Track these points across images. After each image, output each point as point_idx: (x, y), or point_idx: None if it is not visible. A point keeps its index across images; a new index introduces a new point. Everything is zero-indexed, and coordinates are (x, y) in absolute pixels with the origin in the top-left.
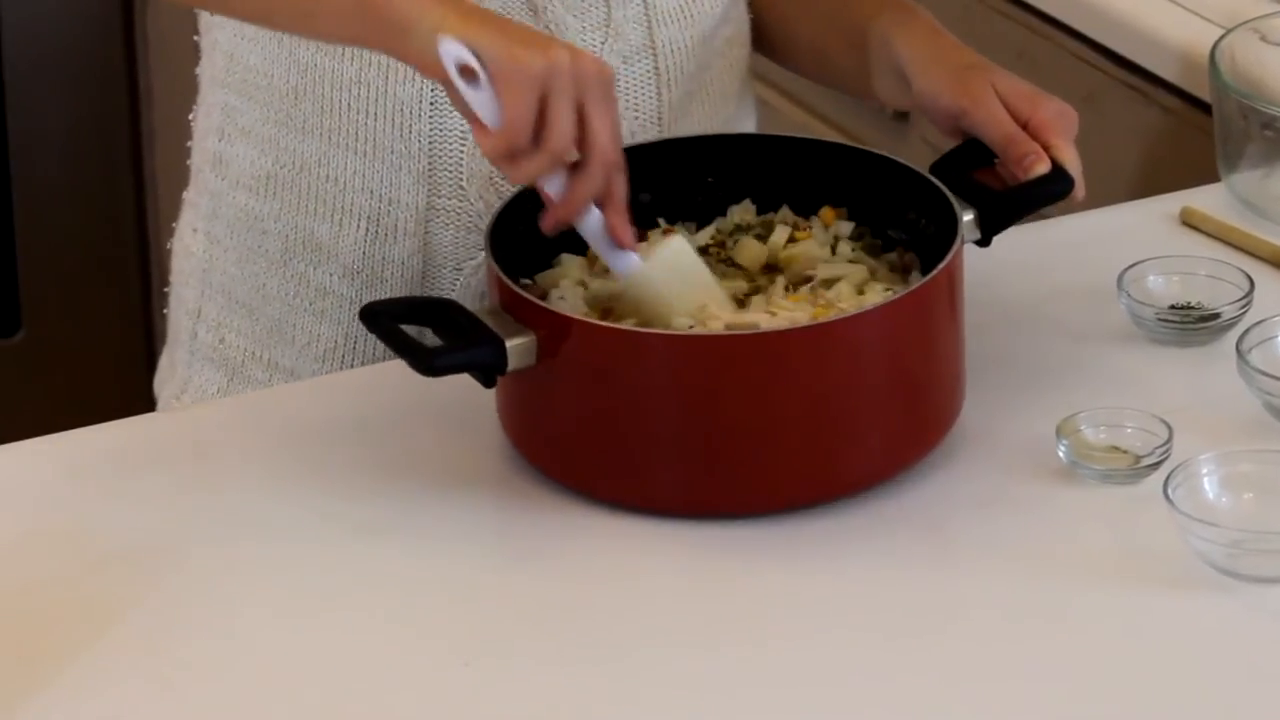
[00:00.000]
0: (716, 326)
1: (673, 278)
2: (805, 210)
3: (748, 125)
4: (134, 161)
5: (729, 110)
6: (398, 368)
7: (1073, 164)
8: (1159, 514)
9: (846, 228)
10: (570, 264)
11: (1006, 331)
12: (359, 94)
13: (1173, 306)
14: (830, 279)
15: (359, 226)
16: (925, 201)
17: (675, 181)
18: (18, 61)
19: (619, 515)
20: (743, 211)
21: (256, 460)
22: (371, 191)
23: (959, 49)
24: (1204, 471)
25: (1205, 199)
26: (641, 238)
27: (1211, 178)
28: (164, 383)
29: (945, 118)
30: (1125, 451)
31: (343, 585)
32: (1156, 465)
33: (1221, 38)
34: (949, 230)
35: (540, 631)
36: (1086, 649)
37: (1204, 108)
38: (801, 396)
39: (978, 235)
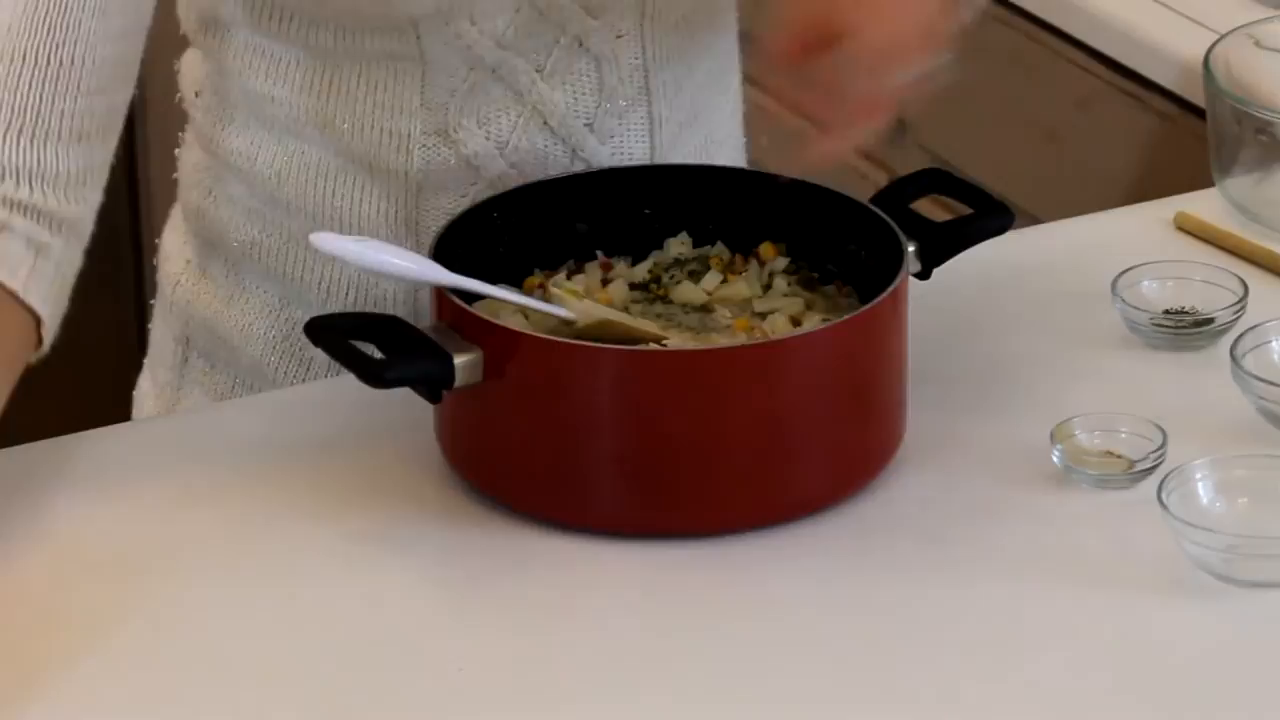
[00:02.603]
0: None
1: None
2: (742, 243)
3: (733, 133)
4: (128, 172)
5: (711, 124)
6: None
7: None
8: (1153, 519)
9: (782, 263)
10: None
11: (1000, 336)
12: (345, 181)
13: (1167, 311)
14: (765, 311)
15: (349, 295)
16: (866, 233)
17: (612, 212)
18: None
19: (564, 536)
20: (678, 245)
21: (239, 471)
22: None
23: None
24: (1198, 476)
25: (1199, 204)
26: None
27: (1205, 183)
28: (144, 396)
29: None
30: (1120, 456)
31: (334, 594)
32: (1151, 470)
33: (1216, 43)
34: (889, 260)
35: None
36: (1081, 655)
37: (1198, 113)
38: (751, 414)
39: (918, 267)
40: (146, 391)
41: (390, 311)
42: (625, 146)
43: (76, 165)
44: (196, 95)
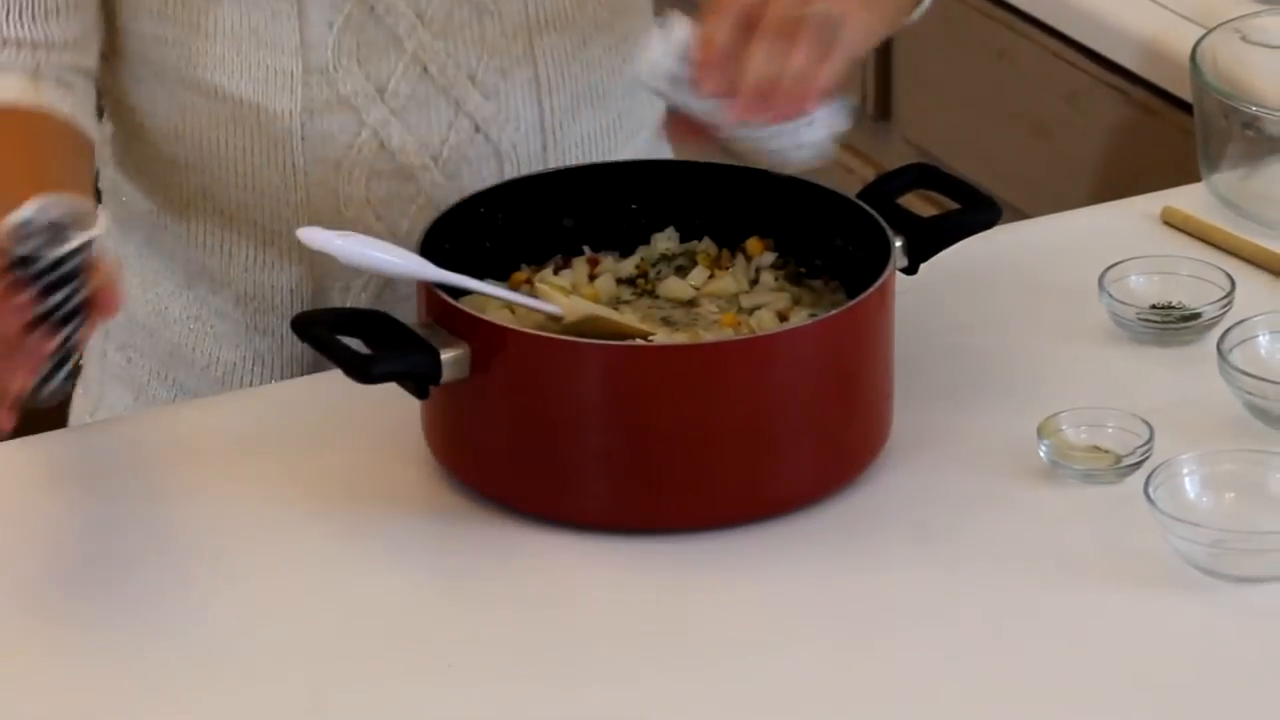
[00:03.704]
0: None
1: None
2: (729, 238)
3: (648, 119)
4: None
5: (621, 108)
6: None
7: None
8: (1140, 514)
9: (769, 258)
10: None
11: (988, 331)
12: (234, 131)
13: (1154, 306)
14: (752, 307)
15: (247, 255)
16: (853, 228)
17: (598, 208)
18: None
19: (552, 531)
20: (665, 240)
21: (226, 467)
22: (255, 223)
23: None
24: (1185, 471)
25: (1186, 198)
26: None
27: (1192, 177)
28: (78, 398)
29: None
30: (1106, 451)
31: (322, 589)
32: (1138, 465)
33: (1203, 37)
34: (876, 255)
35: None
36: (1067, 649)
37: (1185, 107)
38: (738, 410)
39: (904, 263)
40: (79, 392)
41: (284, 300)
42: (511, 107)
43: (76, 31)
44: (103, 58)
